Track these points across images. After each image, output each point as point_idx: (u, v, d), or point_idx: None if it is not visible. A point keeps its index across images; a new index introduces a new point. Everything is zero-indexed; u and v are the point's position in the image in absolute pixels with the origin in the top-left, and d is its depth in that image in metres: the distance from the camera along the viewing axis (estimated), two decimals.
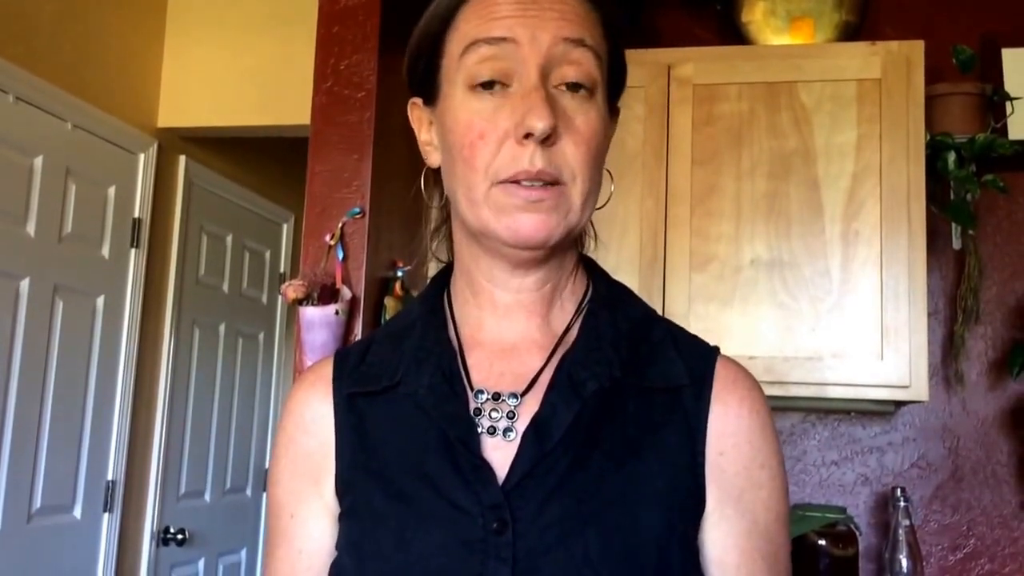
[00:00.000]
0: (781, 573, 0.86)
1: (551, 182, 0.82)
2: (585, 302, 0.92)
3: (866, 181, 2.16)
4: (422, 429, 0.85)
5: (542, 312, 0.90)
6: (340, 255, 2.10)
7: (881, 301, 2.13)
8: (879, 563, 2.37)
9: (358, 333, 2.09)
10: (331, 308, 2.01)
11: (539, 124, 0.79)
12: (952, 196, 2.35)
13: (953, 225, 2.43)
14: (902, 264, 2.12)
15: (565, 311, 0.91)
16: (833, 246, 2.16)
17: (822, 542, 2.22)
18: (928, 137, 2.21)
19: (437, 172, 0.92)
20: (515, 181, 0.81)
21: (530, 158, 0.81)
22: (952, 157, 2.29)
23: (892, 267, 2.13)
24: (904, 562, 2.20)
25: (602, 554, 0.78)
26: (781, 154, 2.21)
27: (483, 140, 0.82)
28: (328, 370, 0.93)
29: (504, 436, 0.84)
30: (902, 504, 2.23)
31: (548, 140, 0.81)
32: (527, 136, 0.80)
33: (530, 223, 0.82)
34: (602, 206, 0.90)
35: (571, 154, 0.82)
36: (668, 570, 0.80)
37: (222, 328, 3.57)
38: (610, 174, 0.91)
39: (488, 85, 0.83)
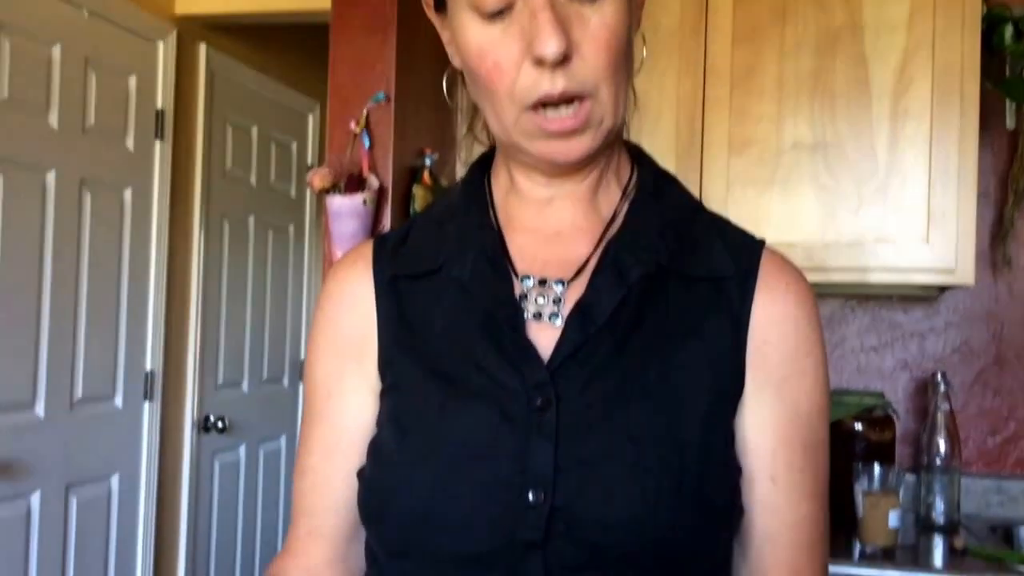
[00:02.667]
0: (820, 463, 0.86)
1: (578, 97, 0.79)
2: (631, 187, 0.90)
3: (917, 56, 2.06)
4: (465, 312, 0.85)
5: (587, 198, 0.88)
6: (366, 143, 2.05)
7: (929, 182, 2.06)
8: (916, 447, 2.37)
9: (387, 223, 2.06)
10: (358, 197, 1.98)
11: (549, 51, 0.76)
12: (1008, 72, 2.26)
13: (1008, 102, 2.33)
14: (952, 143, 2.04)
15: (611, 196, 0.89)
16: (880, 125, 2.09)
17: (859, 427, 2.22)
18: (984, 10, 2.11)
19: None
20: (542, 105, 0.79)
21: (550, 80, 0.78)
22: (1009, 31, 2.20)
23: (942, 147, 2.05)
24: (942, 445, 2.19)
25: (645, 432, 0.78)
26: (827, 29, 2.11)
27: (498, 69, 0.79)
28: (368, 252, 0.92)
29: (550, 321, 0.83)
30: (942, 388, 2.21)
31: (564, 59, 0.77)
32: (541, 61, 0.77)
33: (564, 148, 0.81)
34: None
35: (592, 64, 0.79)
36: (710, 451, 0.80)
37: (251, 221, 3.56)
38: (643, 37, 0.89)
39: (494, 15, 0.79)
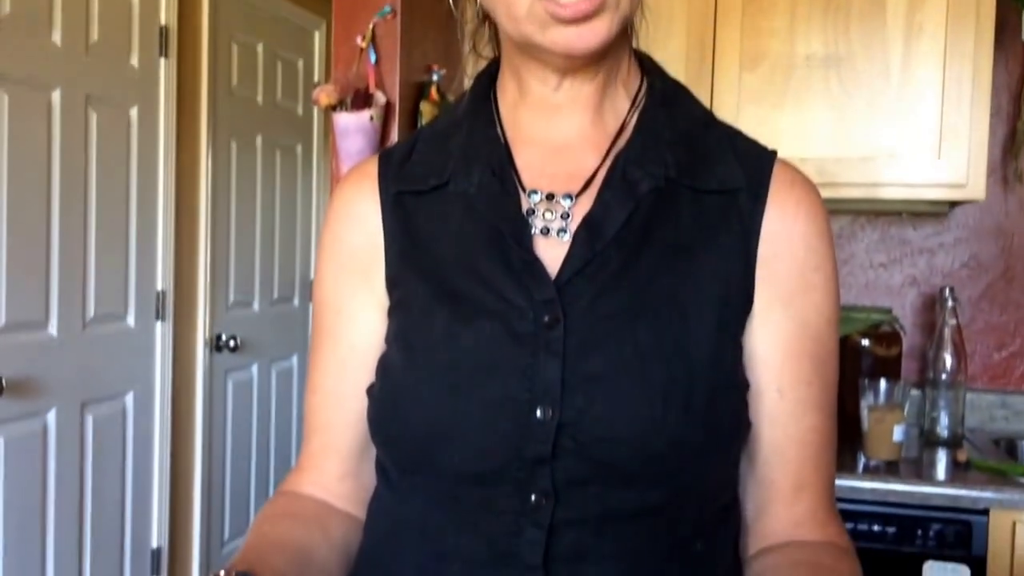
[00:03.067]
0: (828, 377, 0.85)
1: None
2: (640, 96, 0.88)
3: None
4: (472, 228, 0.84)
5: (595, 106, 0.86)
6: (372, 58, 2.03)
7: (942, 97, 2.04)
8: (923, 362, 2.38)
9: (394, 139, 2.05)
10: (365, 114, 1.96)
11: None
12: None
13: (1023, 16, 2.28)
14: (967, 58, 2.01)
15: (619, 106, 0.87)
16: (894, 40, 2.05)
17: (866, 342, 2.23)
18: None
19: None
20: None
21: None
22: None
23: (956, 62, 2.02)
24: (948, 360, 2.20)
25: (652, 348, 0.78)
26: None
27: None
28: (373, 168, 0.91)
29: (558, 236, 0.83)
30: (950, 303, 2.21)
31: None
32: None
33: (579, 36, 0.77)
34: None
35: None
36: (718, 367, 0.80)
37: (259, 140, 3.54)
38: None
39: None
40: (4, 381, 2.35)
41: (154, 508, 3.04)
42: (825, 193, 2.06)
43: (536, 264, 0.81)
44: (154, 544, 3.05)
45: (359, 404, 0.88)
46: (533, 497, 0.78)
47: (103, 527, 2.80)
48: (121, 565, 2.91)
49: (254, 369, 3.58)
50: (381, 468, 0.89)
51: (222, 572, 0.73)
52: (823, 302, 0.85)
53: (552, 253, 0.82)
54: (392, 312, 0.87)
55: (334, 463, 0.91)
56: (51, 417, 2.59)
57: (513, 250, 0.82)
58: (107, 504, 2.82)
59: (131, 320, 2.92)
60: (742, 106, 2.13)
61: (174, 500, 3.14)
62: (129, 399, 2.92)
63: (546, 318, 0.79)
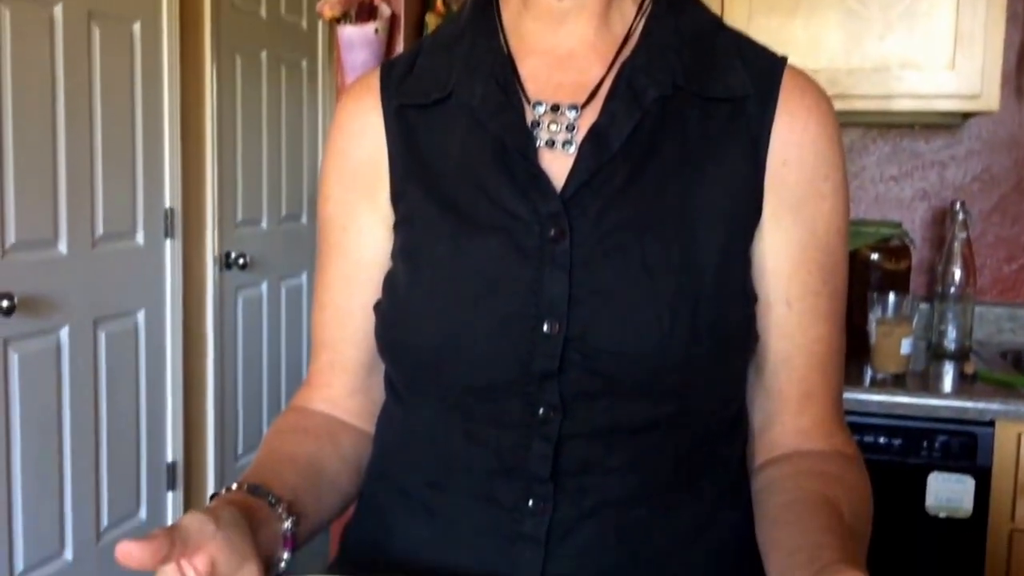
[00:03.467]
0: (836, 287, 0.85)
1: None
2: (647, 3, 0.86)
3: None
4: (476, 141, 0.83)
5: (601, 13, 0.84)
6: None
7: (957, 5, 1.99)
8: (931, 276, 2.38)
9: (399, 53, 2.02)
10: (370, 26, 1.93)
11: None
12: None
13: None
14: None
15: (625, 13, 0.86)
16: None
17: (875, 256, 2.22)
18: None
19: None
20: None
21: None
22: None
23: None
24: (957, 274, 2.20)
25: (660, 261, 0.78)
26: None
27: None
28: (375, 81, 0.90)
29: (563, 148, 0.82)
30: (960, 217, 2.20)
31: None
32: None
33: None
34: None
35: None
36: (726, 279, 0.80)
37: (264, 55, 3.49)
38: None
39: None
40: (16, 298, 2.36)
41: (168, 423, 3.09)
42: (837, 106, 2.03)
43: (541, 177, 0.80)
44: (169, 458, 3.10)
45: (366, 320, 0.88)
46: (541, 411, 0.78)
47: (119, 442, 2.85)
48: (137, 479, 2.97)
49: (264, 287, 3.59)
50: (390, 383, 0.89)
51: (234, 486, 0.74)
52: (832, 211, 0.84)
53: (558, 165, 0.81)
54: (397, 227, 0.86)
55: (342, 379, 0.92)
56: (64, 334, 2.61)
57: (518, 163, 0.81)
58: (122, 420, 2.86)
59: (140, 238, 2.92)
60: (753, 16, 2.09)
61: (188, 415, 3.19)
62: (140, 316, 2.94)
63: (552, 232, 0.78)
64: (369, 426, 0.92)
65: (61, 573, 2.64)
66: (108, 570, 2.72)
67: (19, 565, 2.50)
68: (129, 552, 0.57)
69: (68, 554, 2.67)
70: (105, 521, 2.81)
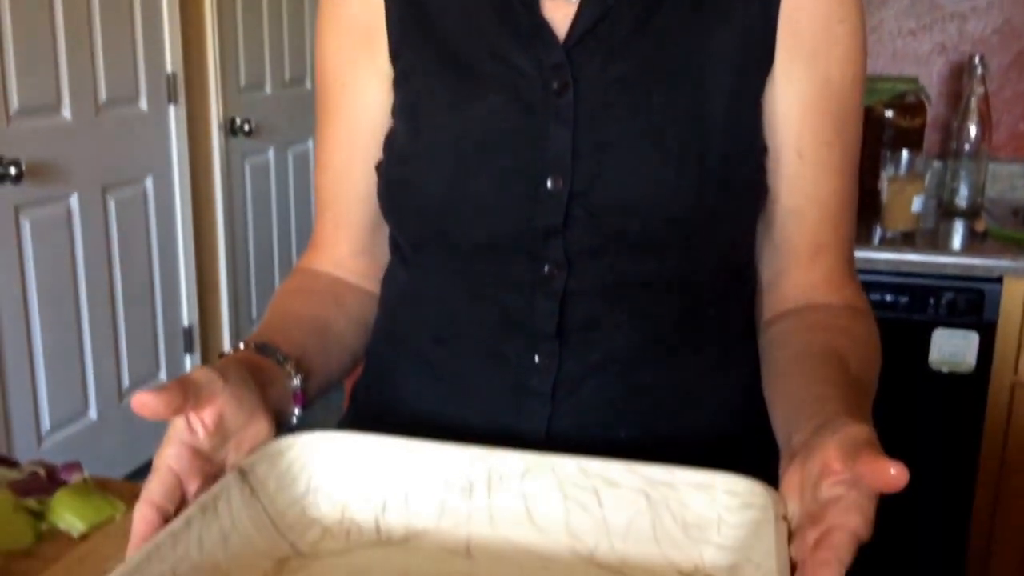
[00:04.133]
0: (850, 138, 0.83)
1: None
2: None
3: None
4: None
5: None
6: None
7: None
8: (946, 133, 2.34)
9: None
10: None
11: None
12: None
13: None
14: None
15: None
16: None
17: (889, 113, 2.19)
18: None
19: None
20: None
21: None
22: None
23: None
24: (972, 130, 2.17)
25: (667, 112, 0.76)
26: None
27: None
28: None
29: None
30: (979, 71, 2.15)
31: None
32: None
33: None
34: None
35: None
36: (735, 131, 0.78)
37: None
38: None
39: None
40: (24, 165, 2.36)
41: (182, 289, 3.13)
42: None
43: (544, 27, 0.78)
44: (185, 323, 3.15)
45: (369, 180, 0.87)
46: (546, 268, 0.78)
47: (135, 307, 2.89)
48: (155, 343, 3.02)
49: (270, 153, 3.57)
50: (394, 243, 0.89)
51: (241, 346, 0.75)
52: (847, 58, 0.81)
53: (561, 15, 0.78)
54: (396, 84, 0.85)
55: (346, 240, 0.92)
56: (74, 201, 2.62)
57: (520, 13, 0.78)
58: (136, 286, 2.90)
59: (143, 103, 2.89)
60: None
61: (201, 281, 3.22)
62: (149, 183, 2.93)
63: (555, 84, 0.77)
64: (374, 286, 0.93)
65: (86, 431, 2.73)
66: (131, 428, 2.81)
67: (46, 424, 2.58)
68: (144, 402, 0.58)
69: (92, 413, 2.75)
70: (126, 382, 2.88)
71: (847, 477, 0.55)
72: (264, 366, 0.73)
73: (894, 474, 0.51)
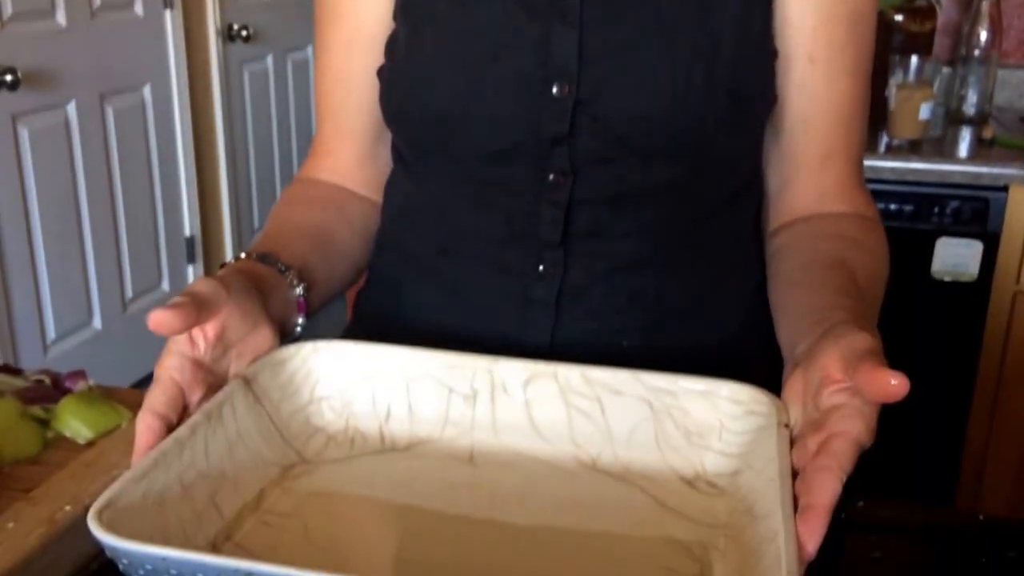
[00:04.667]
0: (862, 42, 0.81)
1: None
2: None
3: None
4: None
5: None
6: None
7: None
8: (956, 38, 2.30)
9: None
10: None
11: None
12: None
13: None
14: None
15: None
16: None
17: (899, 18, 2.14)
18: None
19: None
20: None
21: None
22: None
23: None
24: (983, 35, 2.13)
25: (675, 17, 0.75)
26: None
27: None
28: None
29: None
30: None
31: None
32: None
33: None
34: None
35: None
36: (745, 37, 0.77)
37: None
38: None
39: None
40: (20, 72, 2.33)
41: (183, 198, 3.11)
42: None
43: None
44: (187, 233, 3.15)
45: (370, 86, 0.86)
46: (551, 176, 0.78)
47: (136, 218, 2.88)
48: (158, 254, 3.02)
49: (269, 60, 3.52)
50: (396, 151, 0.88)
51: (243, 255, 0.75)
52: None
53: None
54: None
55: (348, 148, 0.90)
56: (71, 109, 2.59)
57: None
58: (137, 196, 2.88)
59: (139, 8, 2.83)
60: None
61: (202, 191, 3.20)
62: (147, 91, 2.89)
63: None
64: (377, 195, 0.92)
65: (91, 340, 2.75)
66: (136, 338, 2.83)
67: (51, 334, 2.60)
68: (160, 321, 0.58)
69: (97, 323, 2.77)
70: (130, 292, 2.89)
71: (848, 385, 0.55)
72: (266, 275, 0.73)
73: (895, 384, 0.51)
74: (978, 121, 2.15)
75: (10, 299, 2.44)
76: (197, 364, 0.62)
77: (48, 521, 0.64)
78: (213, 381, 0.64)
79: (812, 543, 0.49)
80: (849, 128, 0.82)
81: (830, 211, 0.83)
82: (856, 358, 0.54)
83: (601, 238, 0.79)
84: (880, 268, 0.79)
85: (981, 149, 1.95)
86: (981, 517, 0.72)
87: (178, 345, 0.62)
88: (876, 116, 2.00)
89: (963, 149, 1.99)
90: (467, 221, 0.82)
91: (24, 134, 2.43)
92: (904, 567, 0.69)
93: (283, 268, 0.75)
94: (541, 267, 0.80)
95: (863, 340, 0.56)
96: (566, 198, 0.78)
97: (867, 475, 0.60)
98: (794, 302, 0.73)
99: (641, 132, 0.75)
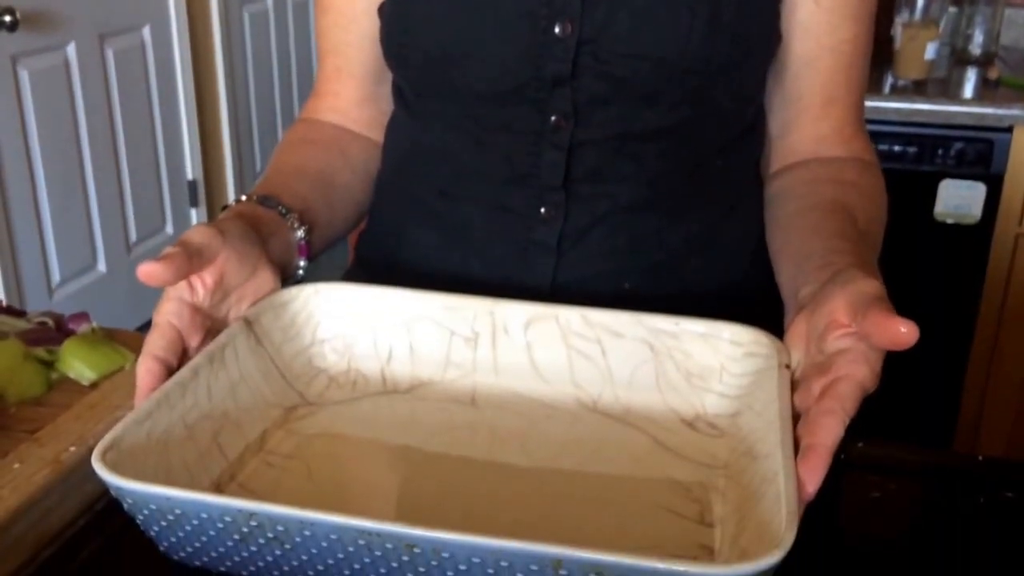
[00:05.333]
0: None
1: None
2: None
3: None
4: None
5: None
6: None
7: None
8: None
9: None
10: None
11: None
12: None
13: None
14: None
15: None
16: None
17: None
18: None
19: None
20: None
21: None
22: None
23: None
24: None
25: None
26: None
27: None
28: None
29: None
30: None
31: None
32: None
33: None
34: None
35: None
36: None
37: None
38: None
39: None
40: (18, 13, 2.30)
41: (185, 141, 3.09)
42: None
43: None
44: (190, 176, 3.14)
45: (371, 24, 0.85)
46: (553, 118, 0.77)
47: (138, 161, 2.87)
48: (160, 197, 3.02)
49: (269, 2, 3.48)
50: (398, 91, 0.87)
51: (243, 198, 0.75)
52: None
53: None
54: None
55: (350, 87, 0.90)
56: (71, 51, 2.56)
57: None
58: (139, 139, 2.87)
59: None
60: None
61: (204, 134, 3.18)
62: (146, 32, 2.86)
63: None
64: (378, 136, 0.91)
65: (96, 283, 2.75)
66: (140, 280, 2.83)
67: (55, 277, 2.60)
68: (150, 272, 0.58)
69: (101, 266, 2.77)
70: (134, 236, 2.89)
71: (854, 330, 0.55)
72: (267, 218, 0.73)
73: (904, 332, 0.51)
74: (984, 61, 2.12)
75: (14, 242, 2.44)
76: (195, 309, 0.63)
77: (54, 462, 0.64)
78: (212, 326, 0.64)
79: (812, 483, 0.50)
80: (851, 73, 0.82)
81: (829, 155, 0.82)
82: (864, 304, 0.54)
83: (603, 181, 0.79)
84: (879, 212, 0.79)
85: (986, 90, 1.94)
86: (980, 458, 0.73)
87: (176, 291, 0.62)
88: (881, 55, 1.98)
89: (968, 90, 1.97)
90: (468, 163, 0.82)
91: (24, 75, 2.41)
92: (903, 507, 0.69)
93: (284, 211, 0.75)
94: (543, 209, 0.79)
95: (870, 286, 0.56)
96: (568, 140, 0.77)
97: (867, 417, 0.60)
98: (795, 246, 0.73)
99: (643, 73, 0.75)
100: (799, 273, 0.67)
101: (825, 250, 0.67)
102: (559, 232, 0.80)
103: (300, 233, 0.75)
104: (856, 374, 0.53)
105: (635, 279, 0.81)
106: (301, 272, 0.76)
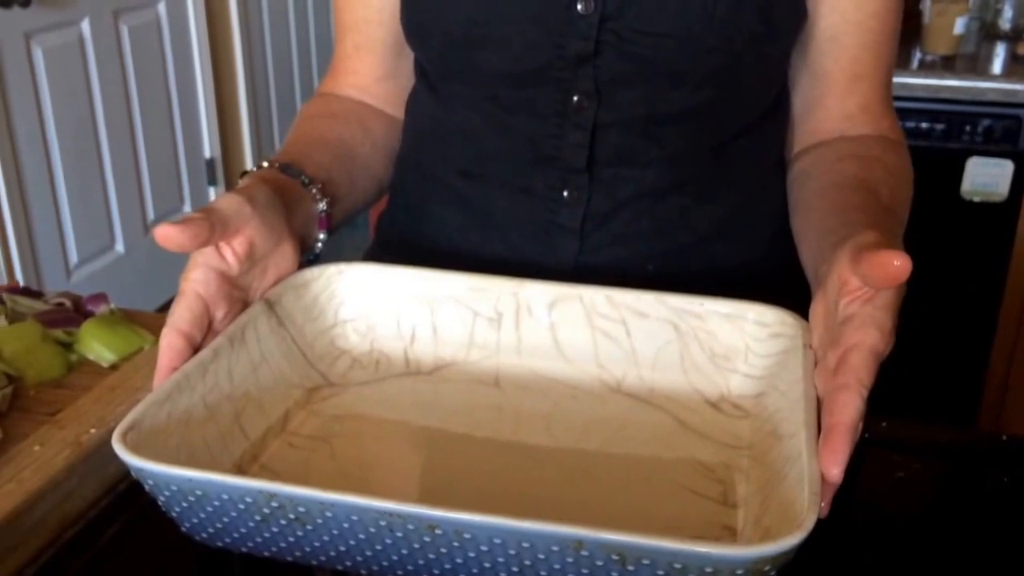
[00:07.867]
0: None
1: None
2: None
3: None
4: None
5: None
6: None
7: None
8: None
9: None
10: None
11: None
12: None
13: None
14: None
15: None
16: None
17: None
18: None
19: None
20: None
21: None
22: None
23: None
24: None
25: None
26: None
27: None
28: None
29: None
30: None
31: None
32: None
33: None
34: None
35: None
36: None
37: None
38: None
39: None
40: None
41: (203, 119, 3.09)
42: None
43: None
44: (207, 154, 3.14)
45: (391, 0, 0.83)
46: (575, 98, 0.76)
47: (155, 139, 2.87)
48: (179, 177, 3.02)
49: None
50: (420, 69, 0.86)
51: (265, 164, 0.74)
52: None
53: None
54: None
55: (369, 63, 0.88)
56: (85, 27, 2.56)
57: None
58: (156, 117, 2.87)
59: None
60: None
61: (221, 112, 3.18)
62: (161, 8, 2.86)
63: None
64: (398, 112, 0.90)
65: (114, 263, 2.76)
66: (159, 259, 2.84)
67: (73, 258, 2.61)
68: (167, 235, 0.57)
69: (119, 246, 2.78)
70: (151, 214, 2.89)
71: (861, 293, 0.53)
72: (289, 187, 0.71)
73: (897, 265, 0.49)
74: (1013, 36, 2.09)
75: (31, 222, 2.45)
76: (223, 277, 0.61)
77: (74, 444, 0.64)
78: (239, 296, 0.63)
79: (837, 465, 0.48)
80: (879, 50, 0.80)
81: (855, 134, 0.81)
82: (860, 252, 0.52)
83: (626, 163, 0.78)
84: (904, 188, 0.77)
85: (1016, 65, 1.91)
86: (1004, 437, 0.72)
87: (204, 257, 0.60)
88: (909, 30, 1.95)
89: (997, 65, 1.94)
90: (491, 144, 0.81)
91: (38, 53, 2.41)
92: (927, 487, 0.69)
93: (307, 180, 0.74)
94: (566, 192, 0.78)
95: (868, 236, 0.54)
96: (591, 121, 0.76)
97: (891, 395, 0.59)
98: (816, 224, 0.72)
99: (667, 52, 0.73)
100: (818, 251, 0.66)
101: (845, 224, 0.65)
102: (582, 215, 0.79)
103: (322, 205, 0.74)
104: (866, 340, 0.51)
105: (659, 262, 0.80)
106: (320, 245, 0.75)
